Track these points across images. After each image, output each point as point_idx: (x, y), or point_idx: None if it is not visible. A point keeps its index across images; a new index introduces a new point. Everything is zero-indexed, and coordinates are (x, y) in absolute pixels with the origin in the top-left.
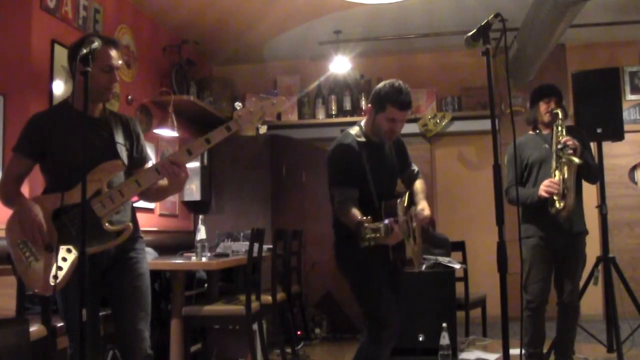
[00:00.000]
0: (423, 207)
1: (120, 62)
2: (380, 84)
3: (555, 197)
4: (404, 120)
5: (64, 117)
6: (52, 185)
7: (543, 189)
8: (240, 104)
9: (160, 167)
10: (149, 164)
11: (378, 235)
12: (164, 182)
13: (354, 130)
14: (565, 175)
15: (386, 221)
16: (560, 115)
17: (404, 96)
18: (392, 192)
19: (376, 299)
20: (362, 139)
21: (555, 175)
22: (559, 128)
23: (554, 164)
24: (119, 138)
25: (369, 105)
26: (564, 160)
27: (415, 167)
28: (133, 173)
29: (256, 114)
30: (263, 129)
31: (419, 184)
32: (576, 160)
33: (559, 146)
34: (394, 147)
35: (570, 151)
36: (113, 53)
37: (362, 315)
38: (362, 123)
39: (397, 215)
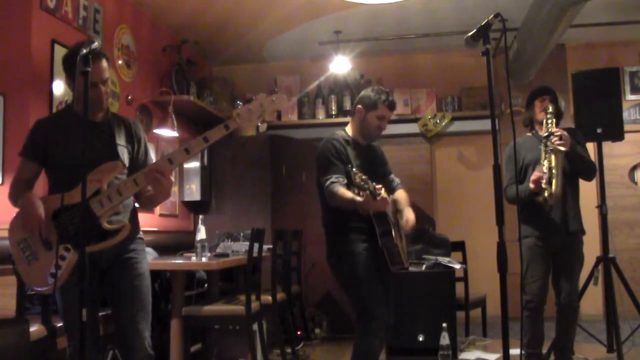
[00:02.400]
0: (408, 217)
1: (106, 75)
2: (367, 90)
3: (543, 185)
4: (389, 119)
5: (65, 121)
6: (55, 187)
7: (531, 179)
8: (241, 103)
9: (141, 175)
10: None
11: (367, 186)
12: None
13: (340, 132)
14: (552, 163)
15: (374, 183)
16: (550, 109)
17: (392, 98)
18: None
19: (364, 291)
20: (348, 139)
21: (543, 165)
22: (549, 121)
23: (543, 154)
24: (121, 140)
25: (359, 106)
26: (550, 148)
27: (396, 179)
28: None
29: (255, 112)
30: (263, 128)
31: (401, 193)
32: (562, 147)
33: (545, 134)
34: (377, 154)
35: (556, 138)
36: (97, 67)
37: (353, 311)
38: (347, 128)
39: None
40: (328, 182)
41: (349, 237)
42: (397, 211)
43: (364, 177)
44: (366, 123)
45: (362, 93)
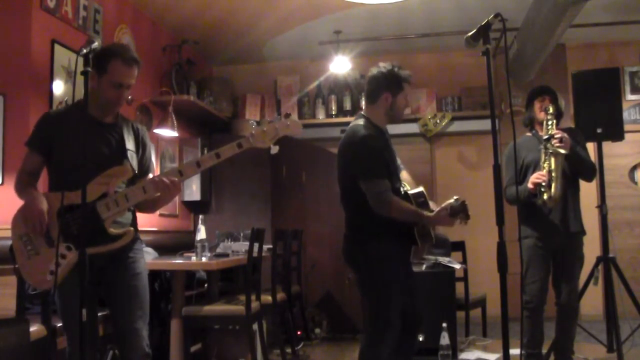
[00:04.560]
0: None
1: (133, 81)
2: (380, 70)
3: (542, 188)
4: None
5: (73, 118)
6: (57, 184)
7: (530, 180)
8: (254, 122)
9: (149, 184)
10: (150, 176)
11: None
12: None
13: (364, 123)
14: (552, 166)
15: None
16: (550, 110)
17: (406, 71)
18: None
19: (390, 302)
20: (377, 130)
21: (544, 168)
22: (549, 122)
23: (542, 156)
24: (130, 145)
25: (386, 93)
26: (550, 151)
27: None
28: (135, 182)
29: (269, 133)
30: (275, 150)
31: (405, 174)
32: (562, 150)
33: (545, 136)
34: (389, 137)
35: (556, 140)
36: (128, 71)
37: (369, 311)
38: (366, 115)
39: (429, 205)
40: (378, 190)
41: (385, 239)
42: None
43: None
44: (396, 108)
45: (375, 75)
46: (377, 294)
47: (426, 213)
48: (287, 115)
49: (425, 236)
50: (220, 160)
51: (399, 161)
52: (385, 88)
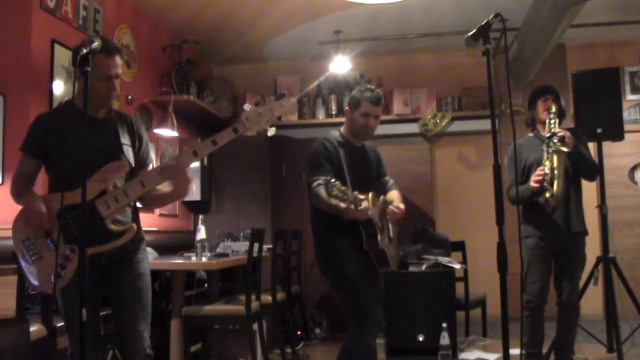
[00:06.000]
0: (395, 201)
1: (119, 70)
2: (356, 88)
3: (545, 185)
4: (378, 116)
5: (67, 117)
6: (56, 185)
7: (533, 179)
8: (249, 105)
9: (164, 166)
10: (150, 168)
11: (345, 198)
12: (165, 187)
13: (334, 133)
14: (554, 164)
15: (356, 192)
16: (553, 109)
17: (375, 93)
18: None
19: (356, 290)
20: (341, 140)
21: (545, 166)
22: (552, 121)
23: (545, 155)
24: (125, 139)
25: (346, 107)
26: (553, 149)
27: (390, 180)
28: (135, 175)
29: (264, 115)
30: (272, 131)
31: (394, 193)
32: (564, 148)
33: (547, 135)
34: (372, 155)
35: (558, 139)
36: (112, 62)
37: (346, 310)
38: (342, 128)
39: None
40: (315, 184)
41: (338, 236)
42: (386, 213)
43: (342, 188)
44: (353, 123)
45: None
46: (344, 289)
47: (341, 205)
48: (282, 95)
49: (380, 261)
50: (218, 147)
51: (390, 182)
52: (348, 102)
